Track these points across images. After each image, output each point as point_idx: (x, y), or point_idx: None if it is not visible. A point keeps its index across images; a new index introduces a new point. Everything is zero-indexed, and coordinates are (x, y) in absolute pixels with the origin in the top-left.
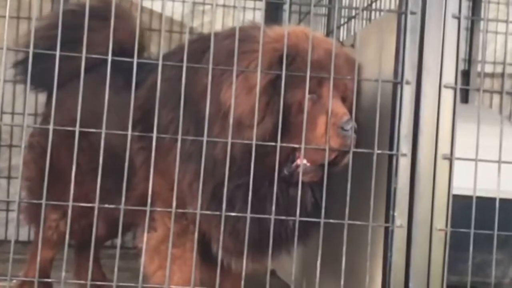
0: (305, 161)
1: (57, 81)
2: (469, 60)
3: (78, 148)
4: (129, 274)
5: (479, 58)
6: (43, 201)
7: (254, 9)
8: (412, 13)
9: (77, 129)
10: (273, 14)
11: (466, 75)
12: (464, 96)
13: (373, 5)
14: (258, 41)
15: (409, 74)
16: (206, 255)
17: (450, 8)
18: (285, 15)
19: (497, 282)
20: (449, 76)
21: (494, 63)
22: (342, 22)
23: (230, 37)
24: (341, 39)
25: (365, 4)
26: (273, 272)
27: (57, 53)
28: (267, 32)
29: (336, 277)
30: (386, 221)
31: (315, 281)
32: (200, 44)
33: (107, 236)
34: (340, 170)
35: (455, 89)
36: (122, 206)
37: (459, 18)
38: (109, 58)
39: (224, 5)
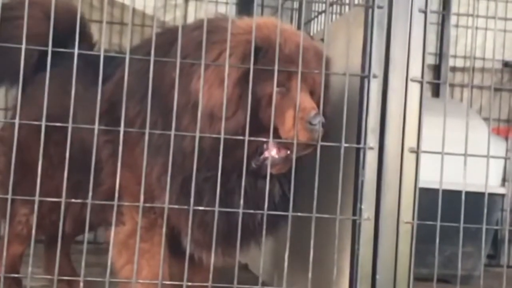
0: (273, 153)
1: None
2: (440, 55)
3: (50, 142)
4: (100, 269)
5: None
6: (9, 196)
7: (226, 3)
8: (379, 7)
9: (43, 123)
10: (245, 8)
11: (437, 69)
12: (435, 90)
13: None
14: (229, 32)
15: (376, 68)
16: (176, 249)
17: (416, 2)
18: (255, 7)
19: (468, 274)
20: (416, 70)
21: (464, 57)
22: (313, 16)
23: (199, 29)
24: (312, 33)
25: None
26: (245, 266)
27: (23, 46)
28: (237, 23)
29: (305, 269)
30: (354, 214)
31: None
32: (167, 36)
33: (78, 231)
34: (308, 163)
35: (421, 83)
36: (89, 201)
37: (425, 12)
38: (76, 51)
39: None
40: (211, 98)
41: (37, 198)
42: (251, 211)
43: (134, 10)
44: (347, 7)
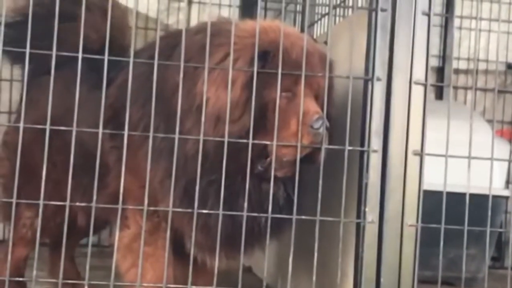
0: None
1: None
2: (444, 57)
3: (54, 146)
4: (104, 272)
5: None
6: (14, 200)
7: (229, 6)
8: (383, 10)
9: (47, 127)
10: (248, 11)
11: (440, 72)
12: (439, 93)
13: (346, 2)
14: (233, 34)
15: (380, 70)
16: (180, 252)
17: (420, 5)
18: (259, 9)
19: (472, 277)
20: (419, 73)
21: (468, 59)
22: (317, 19)
23: (202, 32)
24: (315, 36)
25: (337, 1)
26: (249, 269)
27: (27, 50)
28: (241, 26)
29: (309, 273)
30: (358, 217)
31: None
32: (170, 40)
33: (85, 233)
34: (312, 166)
35: (425, 86)
36: (93, 204)
37: (429, 15)
38: (80, 55)
39: (199, 2)
40: (218, 100)
41: (41, 202)
42: (255, 214)
43: (137, 13)
44: (350, 10)
